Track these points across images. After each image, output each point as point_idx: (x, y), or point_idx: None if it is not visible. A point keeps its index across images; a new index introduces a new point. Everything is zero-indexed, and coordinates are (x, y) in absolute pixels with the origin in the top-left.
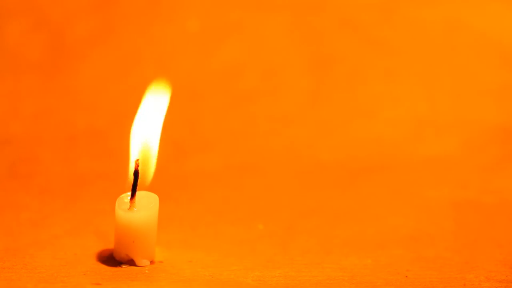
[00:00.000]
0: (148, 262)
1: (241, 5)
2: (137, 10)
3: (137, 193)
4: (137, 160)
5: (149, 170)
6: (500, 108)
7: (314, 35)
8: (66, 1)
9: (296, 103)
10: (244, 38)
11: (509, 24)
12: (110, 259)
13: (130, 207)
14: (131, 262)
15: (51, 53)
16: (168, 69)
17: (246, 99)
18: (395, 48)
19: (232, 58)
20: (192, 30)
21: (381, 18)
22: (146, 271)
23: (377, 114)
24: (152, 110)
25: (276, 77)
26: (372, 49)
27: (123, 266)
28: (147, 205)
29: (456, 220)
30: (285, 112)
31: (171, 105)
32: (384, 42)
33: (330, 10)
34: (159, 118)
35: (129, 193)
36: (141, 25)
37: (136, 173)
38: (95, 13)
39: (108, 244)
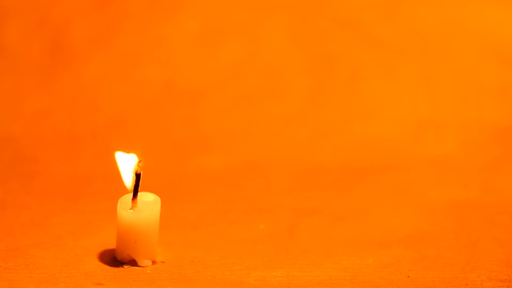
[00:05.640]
0: (150, 262)
1: (241, 5)
2: (137, 10)
3: (139, 193)
4: (140, 161)
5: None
6: (500, 108)
7: (314, 35)
8: (66, 1)
9: (296, 103)
10: (244, 38)
11: (509, 24)
12: (112, 260)
13: (132, 208)
14: (133, 263)
15: (51, 53)
16: (167, 69)
17: (246, 99)
18: (395, 48)
19: (232, 58)
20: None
21: (381, 18)
22: (148, 271)
23: (377, 114)
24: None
25: (276, 77)
26: (372, 49)
27: (125, 267)
28: (148, 205)
29: (457, 220)
30: (285, 112)
31: (171, 105)
32: (384, 42)
33: (330, 10)
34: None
35: (131, 194)
36: (141, 25)
37: (138, 175)
38: (95, 13)
39: (110, 245)
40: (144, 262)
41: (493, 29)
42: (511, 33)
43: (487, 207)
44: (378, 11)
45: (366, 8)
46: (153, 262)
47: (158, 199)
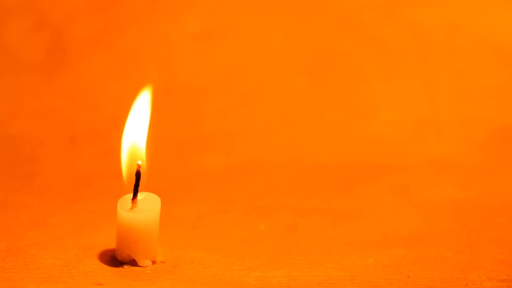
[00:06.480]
0: (150, 263)
1: (241, 5)
2: (137, 10)
3: (139, 193)
4: (140, 161)
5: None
6: (500, 108)
7: (314, 35)
8: (66, 1)
9: (296, 103)
10: (244, 38)
11: (509, 24)
12: (112, 260)
13: (132, 208)
14: (133, 263)
15: (51, 53)
16: (168, 69)
17: (246, 99)
18: (395, 48)
19: (232, 59)
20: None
21: (381, 18)
22: (148, 271)
23: (378, 114)
24: (138, 114)
25: (276, 77)
26: (372, 49)
27: (125, 267)
28: (149, 205)
29: (457, 220)
30: (285, 112)
31: (171, 105)
32: (384, 42)
33: (330, 10)
34: (145, 121)
35: (131, 194)
36: (141, 25)
37: (138, 174)
38: (95, 13)
39: (110, 245)
40: (144, 262)
41: (493, 29)
42: (511, 33)
43: (487, 207)
44: (378, 11)
45: (366, 8)
46: (153, 262)
47: (158, 199)
